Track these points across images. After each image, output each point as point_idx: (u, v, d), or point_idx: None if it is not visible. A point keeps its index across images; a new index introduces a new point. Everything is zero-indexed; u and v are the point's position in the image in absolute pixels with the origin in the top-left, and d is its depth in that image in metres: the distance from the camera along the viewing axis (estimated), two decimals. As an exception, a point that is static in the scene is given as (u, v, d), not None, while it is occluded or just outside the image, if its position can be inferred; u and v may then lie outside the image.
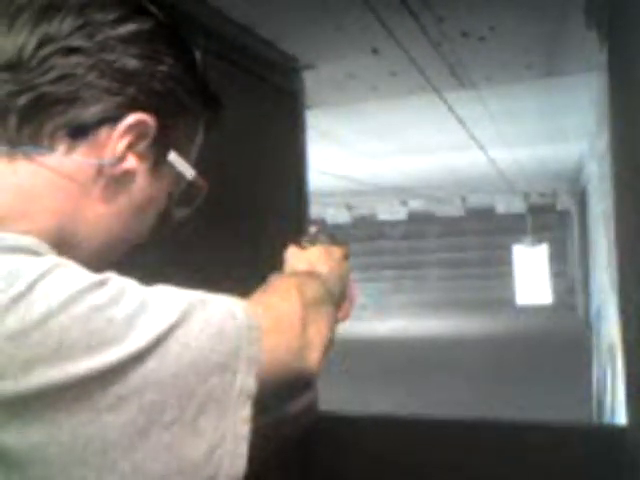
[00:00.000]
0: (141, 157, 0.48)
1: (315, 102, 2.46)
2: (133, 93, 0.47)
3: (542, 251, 11.02)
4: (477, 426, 1.81)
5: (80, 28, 0.45)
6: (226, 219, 1.51)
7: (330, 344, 0.60)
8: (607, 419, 3.47)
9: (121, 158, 0.47)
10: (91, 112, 0.45)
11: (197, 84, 0.52)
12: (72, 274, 0.39)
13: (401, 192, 8.99)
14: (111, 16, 0.47)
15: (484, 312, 11.80)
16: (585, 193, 6.61)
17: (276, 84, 1.83)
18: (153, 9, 0.50)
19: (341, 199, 10.31)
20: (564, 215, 11.62)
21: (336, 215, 11.77)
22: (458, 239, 13.13)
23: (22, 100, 0.44)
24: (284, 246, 0.77)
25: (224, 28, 1.53)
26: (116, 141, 0.47)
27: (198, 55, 0.53)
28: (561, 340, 8.66)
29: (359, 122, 3.58)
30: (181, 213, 0.56)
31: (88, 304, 0.37)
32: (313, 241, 0.77)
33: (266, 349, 0.46)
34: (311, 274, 0.68)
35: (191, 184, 0.53)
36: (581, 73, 2.41)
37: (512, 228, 11.84)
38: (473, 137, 3.97)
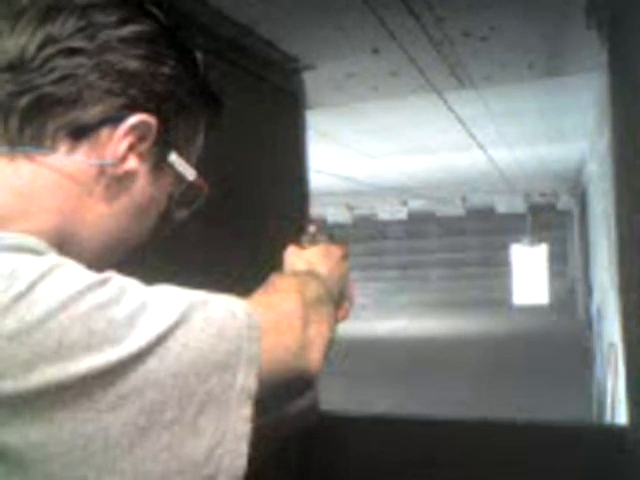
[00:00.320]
0: (142, 158, 0.49)
1: (315, 102, 2.46)
2: (135, 94, 0.47)
3: (541, 251, 11.02)
4: (477, 426, 1.81)
5: (82, 29, 0.46)
6: (226, 219, 1.51)
7: (330, 344, 0.60)
8: (607, 419, 3.47)
9: (122, 159, 0.47)
10: (92, 113, 0.46)
11: (198, 85, 0.52)
12: (72, 273, 0.39)
13: (401, 192, 8.99)
14: (113, 17, 0.47)
15: (484, 312, 11.80)
16: (586, 193, 6.60)
17: (276, 84, 1.83)
18: (155, 11, 0.50)
19: (341, 199, 10.31)
20: (565, 215, 11.62)
21: (336, 215, 11.77)
22: (458, 239, 13.13)
23: (24, 101, 0.44)
24: (284, 246, 0.77)
25: (224, 28, 1.53)
26: (117, 142, 0.47)
27: (199, 56, 0.53)
28: (561, 340, 8.66)
29: (359, 122, 3.58)
30: (181, 214, 0.56)
31: (88, 303, 0.38)
32: (313, 240, 0.77)
33: (266, 349, 0.46)
34: (311, 274, 0.68)
35: (192, 185, 0.53)
36: (582, 73, 2.40)
37: (513, 228, 11.84)
38: (473, 137, 3.97)
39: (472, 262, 13.08)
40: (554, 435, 1.68)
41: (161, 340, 0.39)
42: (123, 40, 0.47)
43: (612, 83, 1.57)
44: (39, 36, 0.45)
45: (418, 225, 12.99)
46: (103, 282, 0.39)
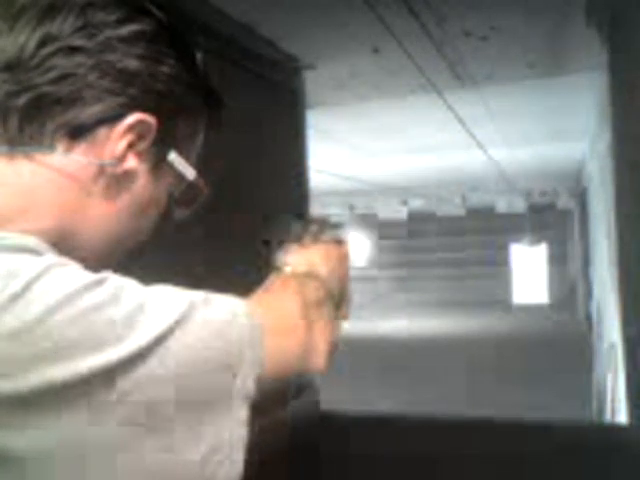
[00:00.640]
0: (142, 157, 0.48)
1: (316, 101, 2.46)
2: (134, 93, 0.47)
3: (541, 251, 11.02)
4: (477, 425, 1.81)
5: (81, 28, 0.45)
6: (226, 218, 1.51)
7: (334, 345, 0.59)
8: (607, 419, 3.47)
9: (121, 158, 0.47)
10: (91, 112, 0.46)
11: (198, 84, 0.52)
12: (70, 273, 0.39)
13: (401, 191, 8.99)
14: (113, 16, 0.47)
15: (484, 311, 11.80)
16: (586, 192, 6.60)
17: (277, 83, 1.83)
18: (154, 10, 0.50)
19: (342, 198, 10.31)
20: (565, 214, 11.62)
21: (336, 214, 11.78)
22: (458, 238, 13.13)
23: (22, 100, 0.44)
24: (284, 244, 0.77)
25: (225, 27, 1.53)
26: (116, 141, 0.47)
27: (199, 55, 0.54)
28: (561, 340, 8.67)
29: (360, 121, 3.58)
30: (182, 213, 0.56)
31: (86, 303, 0.37)
32: (315, 239, 0.77)
33: (268, 350, 0.46)
34: (311, 274, 0.67)
35: (192, 185, 0.53)
36: (582, 73, 2.40)
37: (512, 228, 11.84)
38: (474, 136, 3.97)
39: (472, 262, 13.08)
40: (554, 434, 1.68)
41: (161, 340, 0.39)
42: (123, 39, 0.46)
43: (612, 82, 1.57)
44: (38, 35, 0.45)
45: (418, 224, 12.99)
46: (101, 282, 0.39)
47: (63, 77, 0.45)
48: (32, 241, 0.42)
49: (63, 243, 0.46)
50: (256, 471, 0.44)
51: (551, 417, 2.01)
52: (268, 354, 0.46)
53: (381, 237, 13.47)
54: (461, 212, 11.93)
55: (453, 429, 1.78)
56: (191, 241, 1.33)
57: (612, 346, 3.14)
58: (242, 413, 0.42)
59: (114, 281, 0.40)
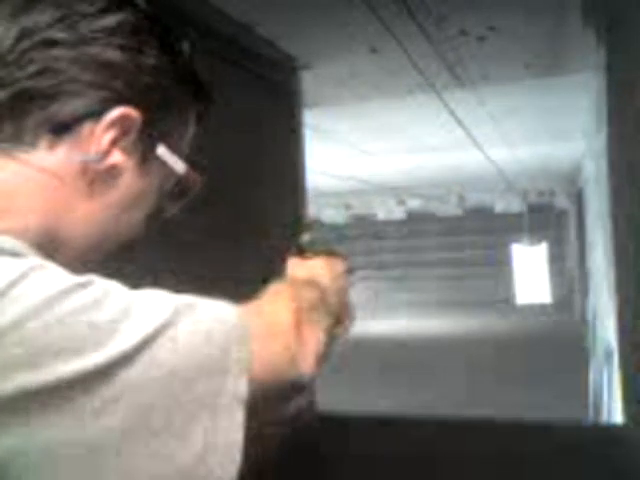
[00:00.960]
0: (127, 152, 0.47)
1: (314, 101, 2.46)
2: (117, 86, 0.45)
3: (541, 250, 11.03)
4: (476, 425, 1.81)
5: (61, 20, 0.44)
6: (224, 217, 1.51)
7: (325, 353, 0.58)
8: (604, 418, 3.47)
9: (106, 153, 0.46)
10: (73, 107, 0.44)
11: (185, 75, 0.50)
12: (52, 276, 0.38)
13: (400, 191, 8.99)
14: (93, 8, 0.45)
15: (484, 311, 11.81)
16: (582, 192, 6.62)
17: (275, 83, 1.83)
18: (137, 0, 0.48)
19: (340, 199, 10.31)
20: (562, 214, 11.64)
21: (335, 215, 11.77)
22: (457, 238, 13.14)
23: (1, 96, 0.43)
24: (282, 244, 0.77)
25: (224, 27, 1.53)
26: (100, 136, 0.45)
27: (187, 46, 0.51)
28: (560, 339, 8.68)
29: (357, 121, 3.58)
30: (173, 208, 0.55)
31: (68, 306, 0.36)
32: (315, 251, 0.76)
33: (257, 354, 0.45)
34: (309, 283, 0.66)
35: (183, 178, 0.52)
36: (579, 73, 2.41)
37: (510, 227, 11.85)
38: (471, 136, 3.98)
39: (471, 261, 13.09)
40: (552, 434, 1.68)
41: (146, 344, 0.38)
42: (104, 31, 0.45)
43: (609, 82, 1.57)
44: (16, 28, 0.43)
45: (417, 224, 13.00)
46: (84, 285, 0.38)
47: (43, 71, 0.43)
48: (11, 242, 0.40)
49: (47, 242, 0.45)
50: (255, 471, 0.43)
51: (551, 417, 2.01)
52: (256, 358, 0.44)
53: (380, 237, 13.48)
54: (459, 212, 11.94)
55: (453, 429, 1.78)
56: (188, 241, 1.33)
57: (609, 345, 3.15)
58: (237, 417, 0.41)
59: (98, 285, 0.39)
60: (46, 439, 0.34)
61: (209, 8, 1.44)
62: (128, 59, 0.46)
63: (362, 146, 4.59)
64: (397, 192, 9.18)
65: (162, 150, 0.49)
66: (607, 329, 3.31)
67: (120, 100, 0.45)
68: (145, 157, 0.48)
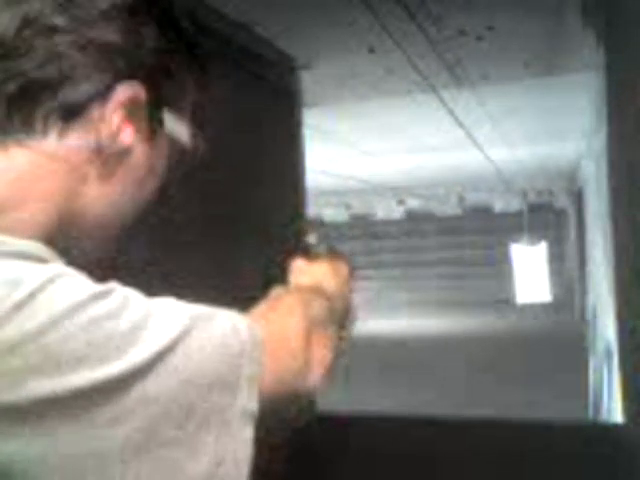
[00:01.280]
0: (136, 129, 0.48)
1: (313, 101, 2.46)
2: (120, 67, 0.46)
3: (541, 250, 11.04)
4: (476, 425, 1.81)
5: (60, 5, 0.44)
6: (224, 217, 1.51)
7: (332, 364, 0.59)
8: (603, 417, 3.47)
9: (116, 134, 0.46)
10: (80, 92, 0.45)
11: (184, 50, 0.52)
12: (75, 284, 0.38)
13: (399, 191, 8.99)
14: None
15: (483, 311, 11.82)
16: (582, 192, 6.62)
17: (273, 83, 1.83)
18: None
19: (339, 198, 10.31)
20: (561, 214, 11.65)
21: (334, 214, 11.78)
22: (456, 238, 13.15)
23: (10, 88, 0.43)
24: (282, 245, 0.77)
25: (222, 26, 1.53)
26: (110, 116, 0.46)
27: (184, 21, 0.53)
28: (560, 339, 8.68)
29: (357, 121, 3.58)
30: (180, 174, 0.56)
31: (89, 315, 0.37)
32: (317, 254, 0.76)
33: (268, 368, 0.45)
34: (316, 290, 0.67)
35: (187, 146, 0.53)
36: (579, 72, 2.41)
37: (510, 227, 11.86)
38: (470, 135, 3.98)
39: (471, 261, 13.10)
40: (551, 433, 1.68)
41: (162, 355, 0.38)
42: (103, 13, 0.45)
43: (608, 82, 1.57)
44: (17, 18, 0.43)
45: (416, 224, 13.01)
46: (105, 294, 0.39)
47: (48, 59, 0.44)
48: (36, 247, 0.41)
49: (62, 229, 0.46)
50: (255, 472, 0.43)
51: (551, 417, 2.01)
52: (268, 372, 0.45)
53: (380, 237, 13.48)
54: (458, 212, 11.94)
55: (453, 429, 1.78)
56: (187, 241, 1.33)
57: (608, 344, 3.15)
58: (246, 433, 0.42)
59: (120, 293, 0.40)
60: (63, 446, 0.34)
61: (207, 8, 1.43)
62: (128, 39, 0.46)
63: (361, 146, 4.59)
64: (397, 192, 9.18)
65: (169, 122, 0.51)
66: (607, 329, 3.31)
67: (124, 79, 0.46)
68: (152, 131, 0.50)
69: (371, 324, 10.50)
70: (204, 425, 0.39)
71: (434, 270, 13.41)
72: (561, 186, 9.42)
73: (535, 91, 2.93)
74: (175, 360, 0.39)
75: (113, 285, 0.40)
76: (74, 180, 0.46)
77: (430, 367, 7.52)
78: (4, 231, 0.41)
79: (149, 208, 0.54)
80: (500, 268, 12.18)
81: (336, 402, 2.10)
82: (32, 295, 0.36)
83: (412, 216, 12.40)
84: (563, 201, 10.75)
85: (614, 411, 2.75)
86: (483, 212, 11.95)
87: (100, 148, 0.46)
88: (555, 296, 11.29)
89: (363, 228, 13.05)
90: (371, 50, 1.94)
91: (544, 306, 11.17)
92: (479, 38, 1.88)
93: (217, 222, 1.47)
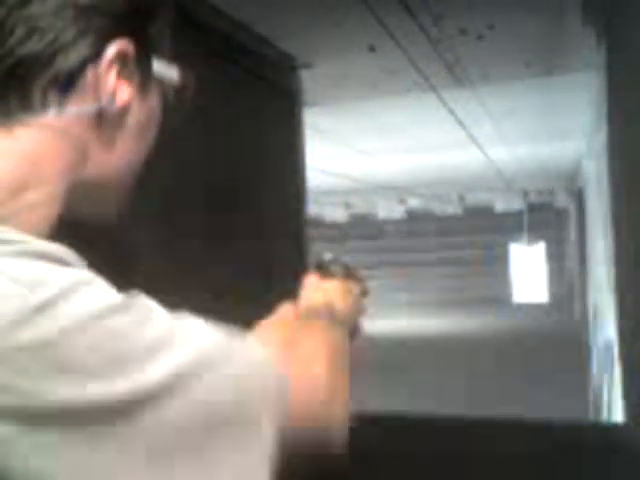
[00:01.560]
0: (130, 83, 0.48)
1: (313, 100, 2.46)
2: (102, 25, 0.46)
3: (539, 249, 11.04)
4: (476, 425, 1.81)
5: None
6: (223, 217, 1.51)
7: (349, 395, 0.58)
8: (604, 418, 3.47)
9: (114, 92, 0.46)
10: (72, 59, 0.44)
11: None
12: (98, 292, 0.37)
13: (399, 190, 8.99)
14: None
15: (483, 310, 11.81)
16: (583, 191, 6.61)
17: (273, 82, 1.83)
18: None
19: (340, 198, 10.31)
20: (562, 213, 11.64)
21: (335, 214, 11.78)
22: (456, 238, 13.15)
23: (1, 69, 0.43)
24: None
25: (221, 25, 1.53)
26: (105, 77, 0.46)
27: None
28: (560, 339, 8.68)
29: (357, 120, 3.57)
30: (177, 117, 0.56)
31: (109, 327, 0.36)
32: (329, 271, 0.76)
33: (292, 404, 0.44)
34: (329, 310, 0.67)
35: (178, 86, 0.53)
36: (579, 71, 2.41)
37: (510, 226, 11.86)
38: (471, 135, 3.97)
39: (471, 261, 13.10)
40: (551, 433, 1.68)
41: (181, 379, 0.36)
42: None
43: (609, 81, 1.57)
44: None
45: (416, 224, 13.01)
46: (128, 306, 0.37)
47: (28, 33, 0.43)
48: (60, 249, 0.39)
49: (74, 200, 0.46)
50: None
51: (551, 416, 2.01)
52: (291, 408, 0.44)
53: (380, 236, 13.48)
54: (459, 211, 11.94)
55: (452, 429, 1.78)
56: (187, 240, 1.33)
57: (609, 344, 3.15)
58: (262, 471, 0.40)
59: (143, 307, 0.39)
60: (68, 460, 0.33)
61: (206, 6, 1.43)
62: None
63: (362, 145, 4.59)
64: (397, 191, 9.18)
65: (158, 67, 0.51)
66: (607, 329, 3.31)
67: (110, 37, 0.46)
68: (145, 81, 0.50)
69: (372, 324, 10.49)
70: (219, 457, 0.38)
71: (434, 270, 13.41)
72: (561, 186, 9.41)
73: (535, 91, 2.93)
74: (194, 386, 0.37)
75: (136, 296, 0.39)
76: (79, 153, 0.46)
77: (430, 366, 7.52)
78: (17, 215, 0.41)
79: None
80: (500, 268, 12.19)
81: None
82: (54, 299, 0.35)
83: (412, 216, 12.40)
84: (563, 201, 10.75)
85: (614, 411, 2.75)
86: (484, 212, 11.95)
87: (101, 111, 0.46)
88: (556, 295, 11.29)
89: (364, 228, 13.05)
90: (371, 49, 1.93)
91: (544, 306, 11.17)
92: (480, 37, 1.87)
93: (216, 222, 1.47)
